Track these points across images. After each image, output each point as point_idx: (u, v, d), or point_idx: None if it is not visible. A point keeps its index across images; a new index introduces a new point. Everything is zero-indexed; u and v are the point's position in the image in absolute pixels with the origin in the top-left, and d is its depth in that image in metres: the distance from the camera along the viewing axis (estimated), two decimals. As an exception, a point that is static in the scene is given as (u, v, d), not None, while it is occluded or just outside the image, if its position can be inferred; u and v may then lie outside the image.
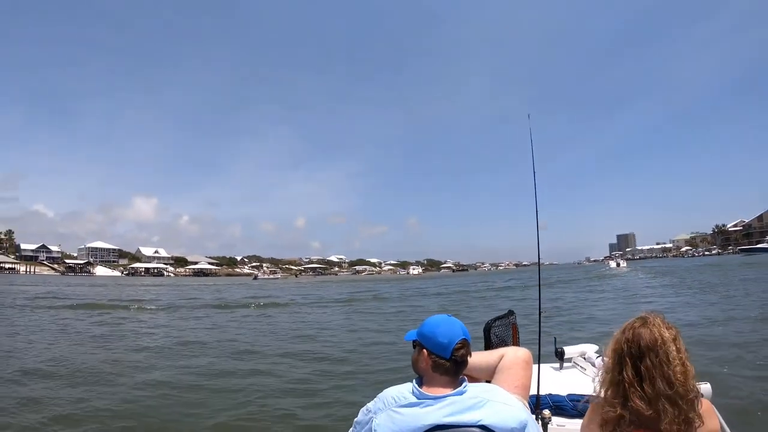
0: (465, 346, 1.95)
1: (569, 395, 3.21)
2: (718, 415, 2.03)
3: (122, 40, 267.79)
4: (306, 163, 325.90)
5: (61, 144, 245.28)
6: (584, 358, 4.27)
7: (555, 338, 4.28)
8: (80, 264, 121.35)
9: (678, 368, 1.67)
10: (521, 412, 1.83)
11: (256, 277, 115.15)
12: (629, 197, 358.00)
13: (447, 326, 1.98)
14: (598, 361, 3.82)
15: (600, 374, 1.91)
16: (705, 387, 3.16)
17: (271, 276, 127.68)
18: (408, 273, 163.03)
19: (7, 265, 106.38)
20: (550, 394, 3.19)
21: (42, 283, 59.25)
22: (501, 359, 2.22)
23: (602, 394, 1.85)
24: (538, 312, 3.66)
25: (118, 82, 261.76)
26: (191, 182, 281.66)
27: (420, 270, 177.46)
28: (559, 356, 4.31)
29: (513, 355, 2.23)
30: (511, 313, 3.25)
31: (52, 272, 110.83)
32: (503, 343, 2.93)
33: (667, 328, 1.76)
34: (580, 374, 4.06)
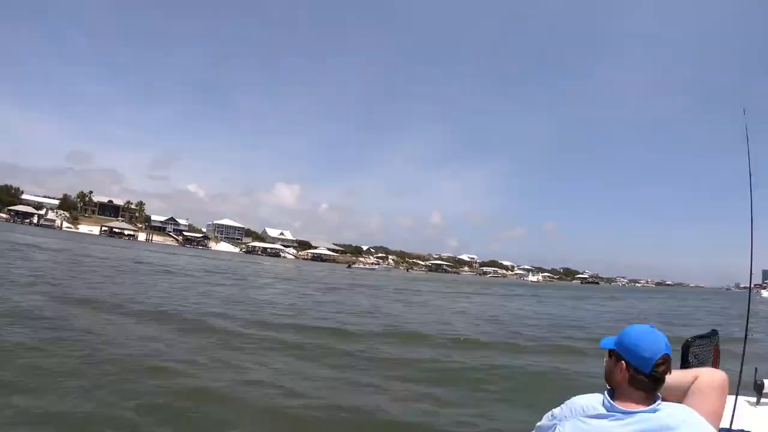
0: (667, 362, 1.85)
1: None
2: None
3: (278, 34, 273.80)
4: (453, 161, 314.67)
5: (216, 133, 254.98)
6: None
7: (756, 369, 3.58)
8: (198, 237, 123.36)
9: None
10: None
11: (350, 266, 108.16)
12: None
13: (651, 338, 1.88)
14: None
15: None
16: None
17: (369, 266, 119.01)
18: (526, 279, 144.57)
19: (127, 232, 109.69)
20: (743, 430, 2.89)
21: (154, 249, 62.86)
22: (695, 380, 2.08)
23: None
24: (744, 336, 3.36)
25: (274, 76, 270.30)
26: (336, 174, 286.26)
27: (540, 278, 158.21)
28: (758, 389, 3.71)
29: (709, 377, 2.10)
30: (714, 333, 2.96)
31: (171, 242, 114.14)
32: (701, 365, 2.59)
33: None
34: None
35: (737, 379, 3.00)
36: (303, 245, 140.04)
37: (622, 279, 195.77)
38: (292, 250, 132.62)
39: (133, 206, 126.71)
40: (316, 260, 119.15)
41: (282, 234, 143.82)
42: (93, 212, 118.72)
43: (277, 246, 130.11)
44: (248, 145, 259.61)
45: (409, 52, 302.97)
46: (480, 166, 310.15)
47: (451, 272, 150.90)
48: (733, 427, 2.70)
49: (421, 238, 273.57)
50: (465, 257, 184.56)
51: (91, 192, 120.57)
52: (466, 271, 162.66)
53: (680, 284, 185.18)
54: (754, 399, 3.74)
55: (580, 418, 1.83)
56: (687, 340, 2.72)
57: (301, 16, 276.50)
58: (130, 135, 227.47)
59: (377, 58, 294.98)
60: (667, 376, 1.87)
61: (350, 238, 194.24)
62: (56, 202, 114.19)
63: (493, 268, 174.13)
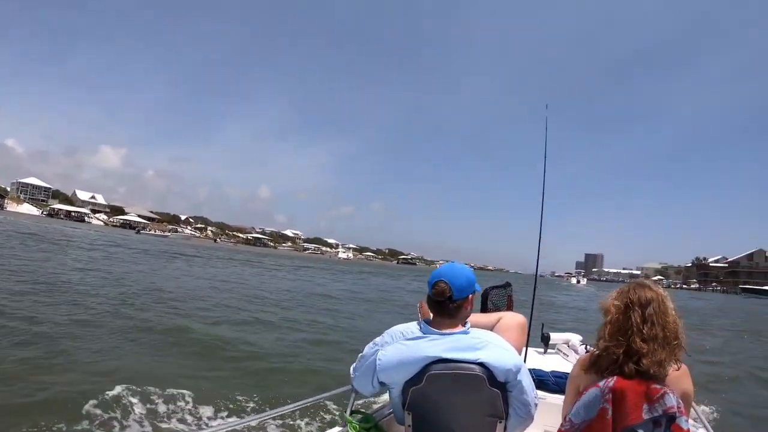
0: (439, 285, 2.07)
1: (553, 372, 3.53)
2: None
3: None
4: (296, 135, 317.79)
5: (48, 84, 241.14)
6: (568, 345, 4.58)
7: (543, 324, 4.53)
8: None
9: (671, 318, 1.92)
10: (517, 358, 2.08)
11: (138, 231, 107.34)
12: (604, 218, 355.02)
13: (440, 269, 2.17)
14: (581, 349, 4.35)
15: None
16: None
17: (160, 232, 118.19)
18: (331, 257, 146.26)
19: None
20: (534, 369, 3.44)
21: None
22: (499, 321, 2.49)
23: (604, 340, 1.98)
24: (533, 295, 3.95)
25: (117, 27, 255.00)
26: (170, 139, 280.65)
27: (351, 255, 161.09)
28: (545, 341, 4.63)
29: (511, 318, 2.53)
30: (508, 285, 3.52)
31: None
32: (498, 311, 3.09)
33: (664, 295, 1.99)
34: (563, 360, 4.31)
35: (528, 330, 3.23)
36: (116, 211, 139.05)
37: (442, 261, 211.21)
38: (103, 216, 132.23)
39: None
40: (125, 227, 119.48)
41: (93, 198, 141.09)
42: None
43: (84, 210, 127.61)
44: (79, 100, 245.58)
45: (261, 20, 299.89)
46: (323, 143, 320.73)
47: (270, 246, 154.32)
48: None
49: (250, 211, 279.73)
50: (289, 233, 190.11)
51: None
52: (287, 247, 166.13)
53: (500, 270, 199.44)
54: (542, 349, 4.64)
55: (400, 341, 2.06)
56: (485, 289, 3.19)
57: None
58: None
59: (228, 22, 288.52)
60: (472, 317, 2.19)
61: (178, 208, 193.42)
62: None
63: (315, 245, 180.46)
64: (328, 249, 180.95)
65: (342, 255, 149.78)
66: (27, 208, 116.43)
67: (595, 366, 1.95)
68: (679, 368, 1.91)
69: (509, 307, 3.41)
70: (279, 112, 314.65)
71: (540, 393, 2.89)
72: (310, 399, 2.60)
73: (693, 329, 14.66)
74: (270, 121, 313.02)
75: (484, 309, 3.18)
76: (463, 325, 2.12)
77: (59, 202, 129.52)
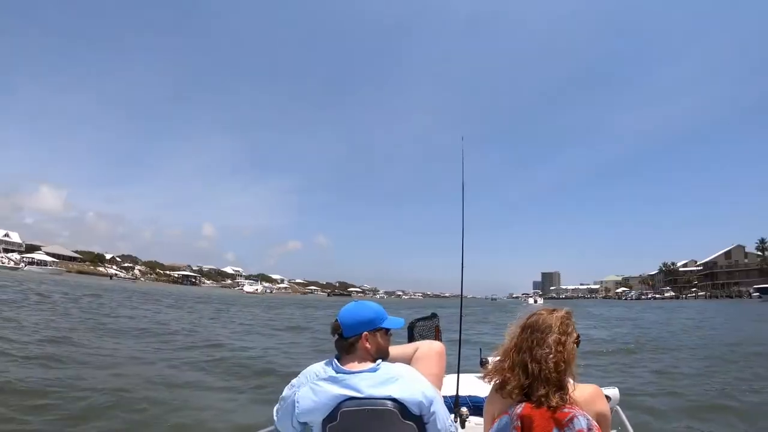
0: (333, 324, 2.23)
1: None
2: (619, 410, 2.32)
3: (63, 17, 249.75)
4: (238, 174, 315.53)
5: None
6: (492, 366, 3.68)
7: (480, 348, 3.91)
8: None
9: (550, 354, 1.88)
10: (429, 389, 2.08)
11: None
12: (557, 237, 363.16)
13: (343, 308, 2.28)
14: None
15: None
16: (612, 391, 3.38)
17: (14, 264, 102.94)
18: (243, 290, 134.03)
19: None
20: (470, 396, 3.33)
21: None
22: (416, 351, 2.48)
23: (497, 360, 2.08)
24: (459, 319, 3.70)
25: (54, 61, 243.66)
26: (112, 179, 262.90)
27: (258, 288, 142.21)
28: (483, 366, 3.86)
29: (427, 347, 2.53)
30: (434, 315, 3.61)
31: None
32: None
33: (562, 321, 1.97)
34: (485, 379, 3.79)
35: (459, 356, 3.39)
36: (32, 249, 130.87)
37: (380, 291, 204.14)
38: (15, 255, 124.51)
39: None
40: (33, 264, 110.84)
41: (7, 236, 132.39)
42: None
43: None
44: (19, 137, 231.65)
45: (208, 55, 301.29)
46: (267, 180, 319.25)
47: (196, 284, 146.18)
48: (461, 394, 3.16)
49: (196, 250, 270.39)
50: (229, 269, 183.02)
51: None
52: (207, 284, 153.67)
53: (457, 296, 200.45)
54: (481, 374, 4.35)
55: (314, 381, 2.12)
56: (411, 322, 3.30)
57: (99, 5, 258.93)
58: None
59: (173, 56, 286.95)
60: (392, 349, 2.32)
61: (125, 249, 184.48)
62: None
63: (228, 280, 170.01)
64: (232, 282, 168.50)
65: (248, 288, 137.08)
66: None
67: (503, 390, 1.98)
68: (574, 390, 1.89)
69: (437, 338, 3.39)
70: (221, 150, 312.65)
71: (476, 419, 2.97)
72: None
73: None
74: (212, 159, 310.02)
75: (411, 341, 3.08)
76: (373, 361, 2.15)
77: None
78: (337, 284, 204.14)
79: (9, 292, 29.76)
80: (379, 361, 2.16)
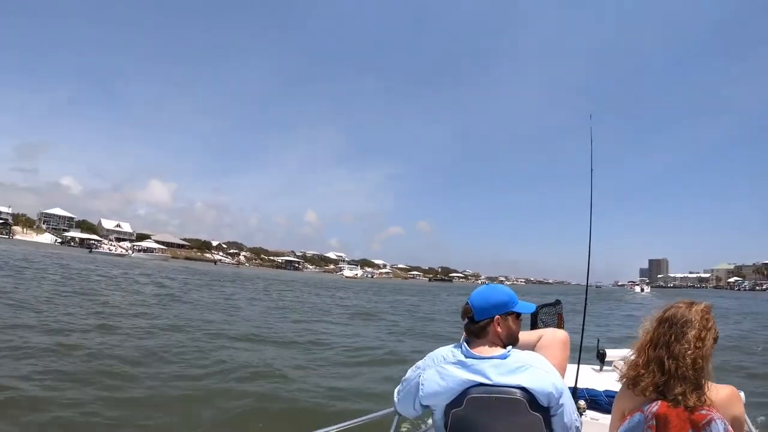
0: (464, 306, 2.17)
1: (606, 391, 3.39)
2: (745, 416, 2.14)
3: (174, 25, 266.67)
4: (342, 162, 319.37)
5: (100, 124, 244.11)
6: (624, 362, 3.81)
7: (598, 339, 4.27)
8: None
9: (688, 350, 1.79)
10: (559, 380, 2.02)
11: (91, 250, 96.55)
12: (666, 221, 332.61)
13: (474, 291, 2.23)
14: None
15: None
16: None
17: (119, 251, 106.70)
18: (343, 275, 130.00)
19: None
20: (587, 388, 3.37)
21: None
22: (540, 338, 2.45)
23: (632, 356, 2.00)
24: (584, 309, 3.74)
25: (167, 67, 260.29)
26: (222, 172, 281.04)
27: (358, 273, 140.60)
28: (600, 358, 4.32)
29: (552, 335, 2.48)
30: (558, 302, 3.48)
31: None
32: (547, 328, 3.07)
33: (702, 315, 1.87)
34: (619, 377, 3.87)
35: (580, 347, 3.37)
36: (142, 239, 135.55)
37: (481, 276, 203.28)
38: (126, 243, 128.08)
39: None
40: (144, 251, 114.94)
41: (118, 226, 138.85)
42: None
43: (95, 237, 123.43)
44: (132, 137, 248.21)
45: (307, 52, 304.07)
46: (371, 167, 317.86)
47: (299, 269, 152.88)
48: (579, 386, 3.12)
49: (300, 236, 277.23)
50: (332, 255, 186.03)
51: None
52: (309, 269, 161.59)
53: (561, 282, 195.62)
54: (598, 366, 4.33)
55: (441, 364, 2.07)
56: (535, 308, 3.13)
57: (201, 10, 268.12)
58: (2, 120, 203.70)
59: (276, 57, 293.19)
60: (520, 334, 2.25)
61: (231, 236, 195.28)
62: None
63: (331, 265, 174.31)
64: (334, 267, 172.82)
65: (347, 273, 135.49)
66: (47, 237, 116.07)
67: (636, 387, 1.89)
68: (709, 390, 1.81)
69: (559, 325, 3.33)
70: (325, 139, 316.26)
71: (592, 414, 3.02)
72: (355, 420, 2.59)
73: None
74: (316, 148, 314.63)
75: (534, 328, 3.06)
76: (503, 347, 2.10)
77: (82, 231, 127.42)
78: (440, 269, 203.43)
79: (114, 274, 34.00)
80: (510, 347, 2.10)
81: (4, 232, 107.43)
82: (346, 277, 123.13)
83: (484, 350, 2.06)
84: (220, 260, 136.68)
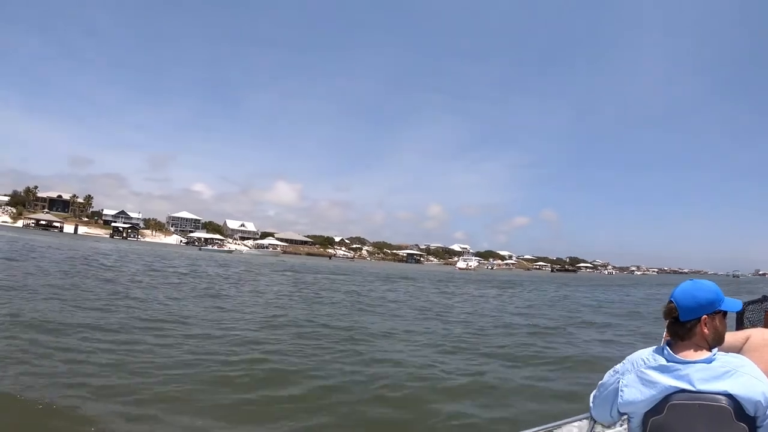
0: (667, 305, 1.97)
1: None
2: None
3: (283, 32, 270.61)
4: (469, 152, 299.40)
5: (224, 133, 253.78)
6: None
7: None
8: (126, 227, 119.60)
9: None
10: None
11: (200, 248, 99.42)
12: None
13: (677, 287, 2.02)
14: None
15: None
16: None
17: (228, 247, 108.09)
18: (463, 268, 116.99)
19: (55, 223, 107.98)
20: None
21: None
22: (747, 340, 2.29)
23: None
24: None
25: (282, 74, 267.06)
26: (344, 170, 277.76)
27: (472, 264, 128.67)
28: None
29: (760, 336, 2.31)
30: (765, 298, 3.22)
31: (101, 233, 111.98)
32: (754, 327, 2.83)
33: None
34: None
35: None
36: (266, 236, 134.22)
37: (609, 266, 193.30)
38: (250, 242, 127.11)
39: (80, 200, 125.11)
40: (259, 248, 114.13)
41: (243, 225, 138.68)
42: (42, 207, 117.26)
43: (217, 236, 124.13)
44: (255, 145, 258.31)
45: (421, 44, 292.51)
46: (494, 157, 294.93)
47: (420, 262, 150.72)
48: None
49: (424, 230, 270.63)
50: (457, 247, 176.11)
51: (36, 188, 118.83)
52: (432, 261, 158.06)
53: (698, 272, 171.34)
54: None
55: (641, 369, 1.88)
56: (742, 305, 2.71)
57: (310, 13, 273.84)
58: (136, 137, 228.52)
59: (389, 51, 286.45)
60: (727, 335, 1.97)
61: (356, 232, 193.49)
62: (6, 198, 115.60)
63: (455, 257, 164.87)
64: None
65: (460, 265, 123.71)
66: (173, 238, 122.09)
67: None
68: None
69: (766, 323, 3.03)
70: (445, 132, 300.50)
71: None
72: (551, 424, 2.49)
73: None
74: (437, 141, 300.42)
75: (739, 327, 2.84)
76: (710, 350, 1.90)
77: (207, 232, 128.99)
78: (567, 259, 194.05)
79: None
80: (715, 350, 1.89)
81: (132, 235, 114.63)
82: (459, 269, 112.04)
83: (689, 354, 1.86)
84: (334, 255, 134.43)
